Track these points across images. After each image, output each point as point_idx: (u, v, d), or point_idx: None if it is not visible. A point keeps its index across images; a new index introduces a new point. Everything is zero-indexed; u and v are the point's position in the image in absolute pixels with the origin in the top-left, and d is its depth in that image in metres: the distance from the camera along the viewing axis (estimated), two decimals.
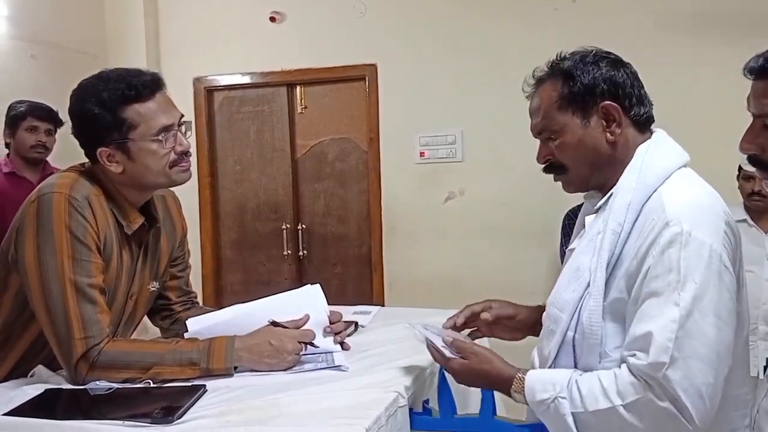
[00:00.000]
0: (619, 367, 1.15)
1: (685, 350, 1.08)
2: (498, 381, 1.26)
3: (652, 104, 1.33)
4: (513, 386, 1.22)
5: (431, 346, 1.36)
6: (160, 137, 1.48)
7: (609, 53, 1.32)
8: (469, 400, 1.60)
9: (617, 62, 1.31)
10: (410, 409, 1.35)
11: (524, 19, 3.55)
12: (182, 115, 1.55)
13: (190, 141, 1.59)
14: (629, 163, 1.26)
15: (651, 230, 1.15)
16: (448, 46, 3.69)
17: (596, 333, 1.18)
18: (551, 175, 1.37)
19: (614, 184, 1.28)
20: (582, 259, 1.25)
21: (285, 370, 1.46)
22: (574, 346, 1.22)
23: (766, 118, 1.05)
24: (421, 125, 3.78)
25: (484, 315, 1.50)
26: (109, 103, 1.46)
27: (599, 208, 1.29)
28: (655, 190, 1.21)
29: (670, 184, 1.22)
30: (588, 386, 1.15)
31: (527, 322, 1.51)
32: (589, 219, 1.32)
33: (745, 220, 2.74)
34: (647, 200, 1.20)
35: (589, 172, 1.30)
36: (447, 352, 1.33)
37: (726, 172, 2.76)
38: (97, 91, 1.47)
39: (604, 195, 1.31)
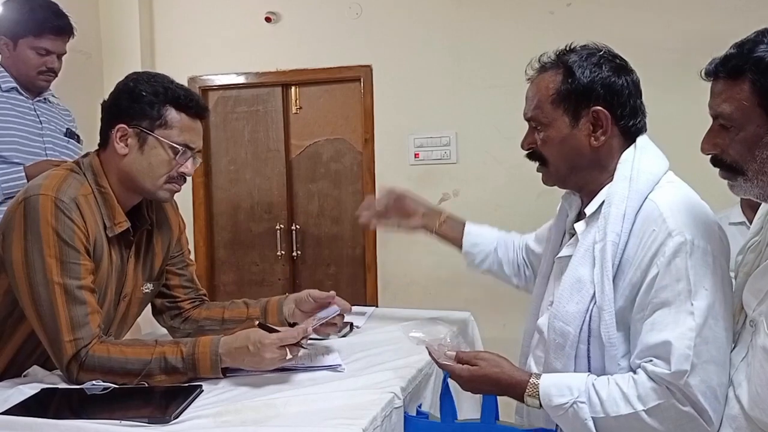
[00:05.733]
0: (635, 372, 1.17)
1: (702, 356, 1.11)
2: (509, 385, 1.26)
3: (646, 115, 1.33)
4: (527, 391, 1.23)
5: (432, 355, 1.35)
6: (179, 148, 1.51)
7: (616, 57, 1.32)
8: (462, 405, 1.60)
9: (621, 68, 1.30)
10: (405, 413, 1.36)
11: (519, 22, 3.55)
12: (200, 149, 1.60)
13: None
14: (618, 171, 1.27)
15: (653, 240, 1.17)
16: (444, 48, 3.70)
17: (615, 344, 1.20)
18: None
19: (593, 188, 1.29)
20: (581, 270, 1.26)
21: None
22: (589, 358, 1.23)
23: (721, 119, 1.07)
24: (415, 126, 3.78)
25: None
26: (162, 96, 1.51)
27: (589, 215, 1.30)
28: (647, 197, 1.23)
29: (661, 190, 1.24)
30: (607, 391, 1.17)
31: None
32: (579, 227, 1.32)
33: (743, 223, 2.72)
34: (640, 207, 1.22)
35: (567, 171, 1.32)
36: (447, 360, 1.33)
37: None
38: (157, 83, 1.53)
39: (582, 197, 1.32)
